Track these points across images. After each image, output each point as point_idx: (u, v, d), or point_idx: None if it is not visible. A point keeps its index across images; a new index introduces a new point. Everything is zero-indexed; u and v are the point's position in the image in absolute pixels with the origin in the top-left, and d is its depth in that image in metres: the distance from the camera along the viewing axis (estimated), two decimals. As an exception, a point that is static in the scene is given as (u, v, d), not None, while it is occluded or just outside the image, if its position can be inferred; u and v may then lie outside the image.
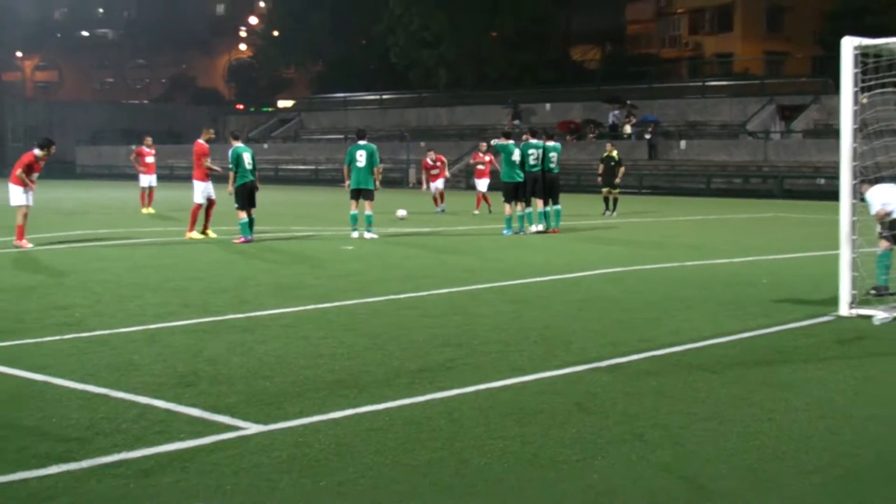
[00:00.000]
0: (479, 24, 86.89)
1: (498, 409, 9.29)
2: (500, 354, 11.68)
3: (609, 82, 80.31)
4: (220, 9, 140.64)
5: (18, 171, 23.83)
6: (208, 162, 26.53)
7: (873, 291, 15.17)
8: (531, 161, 28.12)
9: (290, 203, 45.00)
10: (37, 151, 23.85)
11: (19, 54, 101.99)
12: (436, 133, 78.48)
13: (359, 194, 27.19)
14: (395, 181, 67.95)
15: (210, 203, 26.64)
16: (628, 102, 71.22)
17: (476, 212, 37.92)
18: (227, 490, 7.13)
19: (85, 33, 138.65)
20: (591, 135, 69.25)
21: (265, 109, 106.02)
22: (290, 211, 39.56)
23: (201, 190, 26.47)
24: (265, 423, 8.77)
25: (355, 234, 26.76)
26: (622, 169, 39.09)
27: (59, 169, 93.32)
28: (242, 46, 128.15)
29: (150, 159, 39.30)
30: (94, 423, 8.74)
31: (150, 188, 39.07)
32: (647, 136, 66.11)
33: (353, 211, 27.34)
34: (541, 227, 28.77)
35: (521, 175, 28.20)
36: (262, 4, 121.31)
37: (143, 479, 7.37)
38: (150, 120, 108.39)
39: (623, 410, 9.26)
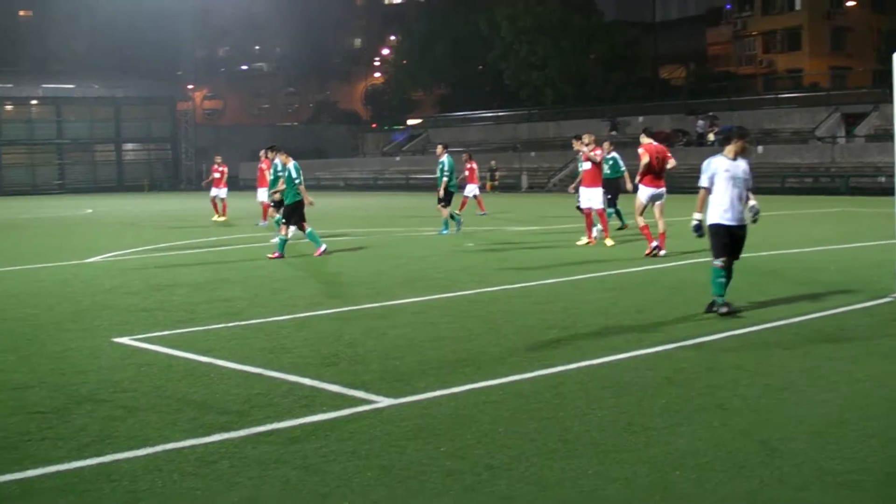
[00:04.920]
0: (580, 49, 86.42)
1: (596, 382, 9.21)
2: (599, 335, 11.57)
3: (693, 97, 79.45)
4: (357, 42, 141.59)
5: None
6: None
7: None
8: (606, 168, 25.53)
9: (418, 207, 45.03)
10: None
11: (190, 87, 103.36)
12: (544, 144, 78.15)
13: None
14: (510, 186, 68.09)
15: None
16: (710, 114, 70.38)
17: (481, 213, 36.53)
18: (363, 454, 7.16)
19: (244, 67, 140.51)
20: (680, 143, 68.56)
21: (397, 127, 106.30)
22: (419, 214, 39.58)
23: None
24: (395, 396, 8.80)
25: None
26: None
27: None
28: (377, 74, 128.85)
29: (216, 174, 38.77)
30: (250, 398, 8.84)
31: (221, 199, 38.36)
32: (728, 143, 65.36)
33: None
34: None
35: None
36: (392, 38, 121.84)
37: (291, 445, 7.43)
38: (300, 139, 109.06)
39: (706, 383, 9.13)
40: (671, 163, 20.85)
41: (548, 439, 7.46)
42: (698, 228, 12.94)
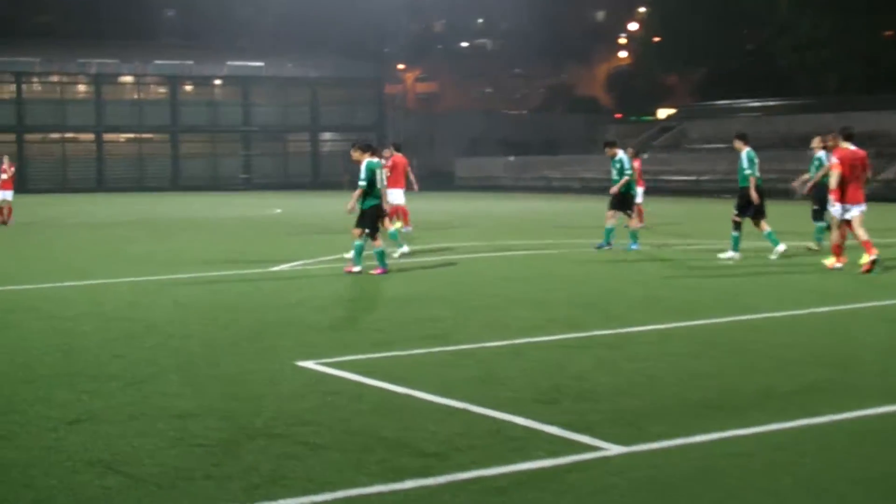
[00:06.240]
0: (871, 25, 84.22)
1: (873, 437, 9.00)
2: (879, 378, 11.28)
3: None
4: (599, 16, 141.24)
5: None
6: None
7: None
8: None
9: (667, 214, 44.73)
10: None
11: (401, 67, 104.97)
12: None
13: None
14: (780, 192, 66.73)
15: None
16: None
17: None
18: (581, 511, 7.15)
19: (464, 44, 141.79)
20: None
21: (645, 118, 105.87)
22: (667, 223, 39.27)
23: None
24: (626, 443, 8.75)
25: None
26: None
27: (437, 181, 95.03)
28: (622, 54, 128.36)
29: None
30: (451, 438, 8.92)
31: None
32: None
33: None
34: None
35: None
36: (641, 10, 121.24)
37: (497, 496, 7.46)
38: (528, 130, 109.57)
39: None
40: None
41: (805, 502, 7.32)
42: None
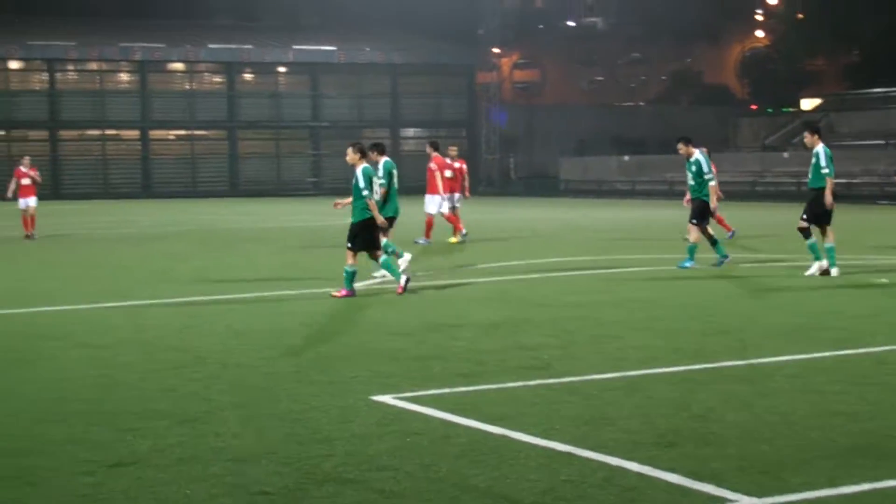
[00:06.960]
0: None
1: None
2: None
3: None
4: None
5: None
6: None
7: None
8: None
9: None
10: None
11: (496, 51, 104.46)
12: None
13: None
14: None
15: None
16: None
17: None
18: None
19: (571, 23, 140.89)
20: None
21: (785, 110, 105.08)
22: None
23: None
24: (758, 495, 8.73)
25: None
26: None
27: (539, 184, 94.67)
28: (759, 33, 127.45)
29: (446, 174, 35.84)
30: (553, 487, 8.94)
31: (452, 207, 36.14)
32: None
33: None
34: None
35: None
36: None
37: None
38: (645, 125, 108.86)
39: None
40: None
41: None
42: None
